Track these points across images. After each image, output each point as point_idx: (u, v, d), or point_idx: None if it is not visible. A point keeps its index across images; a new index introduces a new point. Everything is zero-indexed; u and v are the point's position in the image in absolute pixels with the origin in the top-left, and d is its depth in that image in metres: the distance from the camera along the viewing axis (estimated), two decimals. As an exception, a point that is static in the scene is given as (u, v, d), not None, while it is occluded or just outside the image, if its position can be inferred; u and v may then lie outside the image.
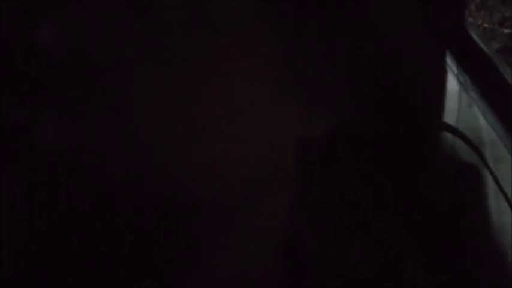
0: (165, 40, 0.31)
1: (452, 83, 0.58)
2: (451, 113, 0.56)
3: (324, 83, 0.36)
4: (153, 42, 0.31)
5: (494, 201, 0.53)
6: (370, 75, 0.43)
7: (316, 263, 0.41)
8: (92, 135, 0.31)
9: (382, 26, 0.46)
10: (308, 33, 0.35)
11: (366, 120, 0.43)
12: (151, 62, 0.31)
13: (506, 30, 2.76)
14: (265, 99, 0.34)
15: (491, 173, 0.54)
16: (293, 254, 0.40)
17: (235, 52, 0.32)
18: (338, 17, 0.37)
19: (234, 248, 0.36)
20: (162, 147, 0.31)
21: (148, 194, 0.32)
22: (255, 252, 0.37)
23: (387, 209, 0.49)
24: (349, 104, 0.39)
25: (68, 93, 0.31)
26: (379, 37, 0.45)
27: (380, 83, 0.44)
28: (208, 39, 0.31)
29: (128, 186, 0.31)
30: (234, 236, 0.35)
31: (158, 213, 0.32)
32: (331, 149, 0.40)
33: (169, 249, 0.33)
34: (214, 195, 0.33)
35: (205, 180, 0.33)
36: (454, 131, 0.54)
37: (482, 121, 0.58)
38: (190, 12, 0.31)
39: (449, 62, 0.59)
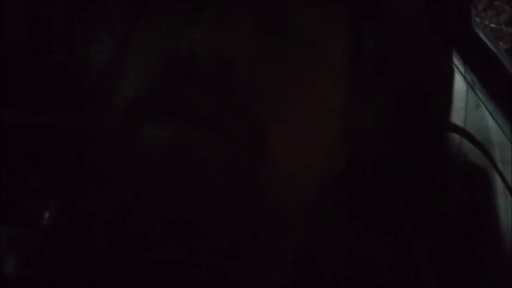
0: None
1: (459, 83, 0.58)
2: (459, 113, 0.55)
3: (363, 128, 0.40)
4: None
5: (503, 203, 0.52)
6: (391, 89, 0.44)
7: (330, 272, 0.41)
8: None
9: (393, 28, 0.46)
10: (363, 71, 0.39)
11: (382, 133, 0.44)
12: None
13: (514, 30, 2.75)
14: (325, 127, 0.37)
15: (500, 174, 0.53)
16: (307, 263, 0.40)
17: (325, 84, 0.37)
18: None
19: (255, 259, 0.36)
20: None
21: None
22: (272, 262, 0.37)
23: (399, 215, 0.49)
24: (372, 131, 0.41)
25: None
26: (392, 41, 0.46)
27: (394, 87, 0.45)
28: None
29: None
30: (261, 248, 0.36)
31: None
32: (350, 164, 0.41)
33: (213, 257, 0.34)
34: (274, 213, 0.35)
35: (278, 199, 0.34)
36: (461, 131, 0.54)
37: (490, 122, 0.57)
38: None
39: (456, 61, 0.59)
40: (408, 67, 0.48)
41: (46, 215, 0.44)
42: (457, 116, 0.55)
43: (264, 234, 0.35)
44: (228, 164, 0.32)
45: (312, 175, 0.37)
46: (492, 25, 2.76)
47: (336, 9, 0.38)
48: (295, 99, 0.35)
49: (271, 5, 0.36)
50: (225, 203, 0.32)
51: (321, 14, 0.37)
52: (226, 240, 0.33)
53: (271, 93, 0.34)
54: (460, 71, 0.59)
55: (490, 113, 0.58)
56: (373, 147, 0.41)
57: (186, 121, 0.32)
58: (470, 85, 0.59)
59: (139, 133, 0.33)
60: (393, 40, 0.44)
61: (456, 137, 0.54)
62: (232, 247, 0.34)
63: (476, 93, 0.59)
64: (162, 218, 0.32)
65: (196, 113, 0.32)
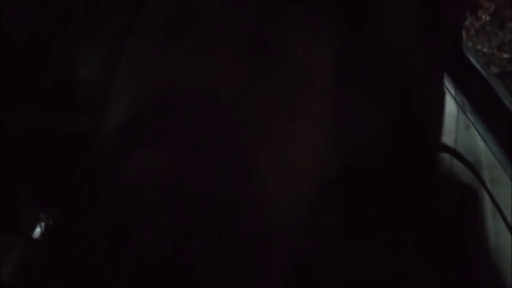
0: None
1: (450, 105, 0.59)
2: (449, 134, 0.56)
3: (352, 130, 0.40)
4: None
5: (492, 223, 0.53)
6: (383, 104, 0.44)
7: (323, 276, 0.41)
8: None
9: (387, 50, 0.47)
10: (356, 85, 0.40)
11: (374, 147, 0.45)
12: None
13: (505, 55, 2.78)
14: (318, 140, 0.38)
15: (489, 194, 0.54)
16: (301, 267, 0.41)
17: (314, 101, 0.37)
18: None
19: (250, 275, 0.36)
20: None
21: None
22: (266, 264, 0.37)
23: (393, 226, 0.49)
24: (364, 141, 0.41)
25: None
26: (387, 62, 0.46)
27: (388, 110, 0.46)
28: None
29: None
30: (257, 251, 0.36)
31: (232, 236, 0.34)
32: (343, 176, 0.41)
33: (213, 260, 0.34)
34: (270, 218, 0.35)
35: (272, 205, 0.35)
36: (452, 152, 0.55)
37: (480, 143, 0.58)
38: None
39: (447, 84, 0.60)
40: (399, 85, 0.49)
41: (41, 224, 0.44)
42: (447, 137, 0.56)
43: (257, 252, 0.35)
44: (214, 191, 0.32)
45: (302, 192, 0.37)
46: (484, 49, 2.79)
47: (320, 27, 0.38)
48: (280, 121, 0.35)
49: (252, 28, 0.36)
50: (215, 228, 0.33)
51: (304, 33, 0.37)
52: (219, 263, 0.34)
53: (255, 118, 0.34)
54: (450, 93, 0.60)
55: (480, 134, 0.59)
56: (366, 157, 0.42)
57: (172, 150, 0.32)
58: (460, 107, 0.60)
59: (128, 162, 0.33)
60: (385, 60, 0.45)
61: (447, 157, 0.55)
62: (227, 268, 0.34)
63: (466, 115, 0.60)
64: (153, 247, 0.32)
65: (182, 142, 0.32)
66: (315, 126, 0.37)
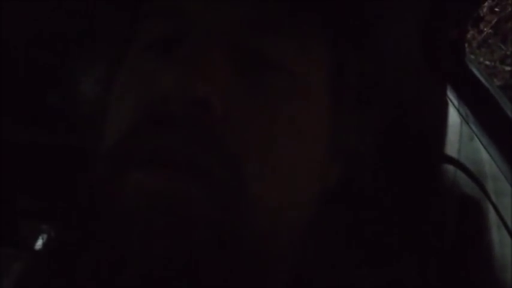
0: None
1: (453, 116, 0.59)
2: (453, 145, 0.56)
3: (350, 140, 0.40)
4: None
5: (496, 234, 0.53)
6: (382, 116, 0.44)
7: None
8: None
9: (389, 63, 0.47)
10: (351, 95, 0.40)
11: (373, 158, 0.44)
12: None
13: (508, 68, 2.78)
14: (313, 152, 0.38)
15: (493, 206, 0.54)
16: (300, 281, 0.40)
17: (307, 112, 0.37)
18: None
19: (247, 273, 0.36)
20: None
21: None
22: (265, 279, 0.37)
23: (393, 244, 0.49)
24: (363, 151, 0.41)
25: None
26: (388, 75, 0.46)
27: (388, 120, 0.46)
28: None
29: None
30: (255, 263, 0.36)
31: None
32: (343, 188, 0.41)
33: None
34: (269, 228, 0.35)
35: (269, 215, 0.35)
36: (456, 163, 0.55)
37: (483, 154, 0.58)
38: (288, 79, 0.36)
39: (451, 95, 0.60)
40: (400, 97, 0.49)
41: (42, 236, 0.44)
42: (451, 148, 0.56)
43: (254, 267, 0.35)
44: (209, 206, 0.32)
45: (298, 204, 0.37)
46: (486, 62, 2.80)
47: (312, 38, 0.38)
48: (273, 131, 0.35)
49: (243, 39, 0.36)
50: (210, 244, 0.32)
51: (296, 43, 0.37)
52: (216, 279, 0.33)
53: (248, 129, 0.34)
54: (454, 105, 0.60)
55: (484, 146, 0.59)
56: (366, 168, 0.42)
57: (165, 166, 0.32)
58: (464, 118, 0.60)
59: (122, 181, 0.33)
60: (386, 71, 0.45)
61: (450, 168, 0.55)
62: (224, 283, 0.34)
63: (469, 126, 0.60)
64: (149, 265, 0.32)
65: (174, 157, 0.32)
66: (309, 136, 0.37)
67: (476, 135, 0.59)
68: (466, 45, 0.66)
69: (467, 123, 0.60)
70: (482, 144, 0.59)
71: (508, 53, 2.84)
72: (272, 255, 0.36)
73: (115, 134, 0.36)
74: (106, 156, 0.35)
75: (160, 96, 0.33)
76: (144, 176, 0.32)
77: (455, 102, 0.60)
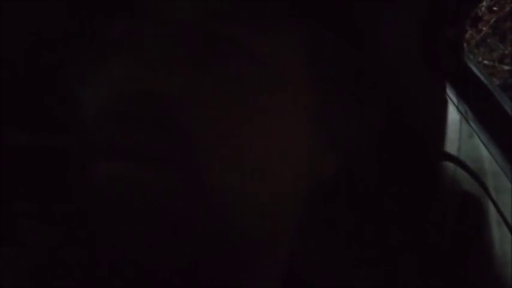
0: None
1: (453, 114, 0.59)
2: (453, 143, 0.56)
3: (344, 131, 0.39)
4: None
5: (497, 231, 0.53)
6: (378, 111, 0.44)
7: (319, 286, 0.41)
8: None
9: (387, 62, 0.47)
10: (340, 85, 0.39)
11: (371, 154, 0.44)
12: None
13: (506, 67, 2.79)
14: (294, 140, 0.36)
15: (494, 203, 0.54)
16: (298, 281, 0.40)
17: (280, 99, 0.36)
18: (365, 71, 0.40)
19: (243, 275, 0.36)
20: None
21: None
22: (261, 278, 0.37)
23: (392, 242, 0.49)
24: (359, 144, 0.41)
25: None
26: (386, 73, 0.46)
27: (386, 117, 0.45)
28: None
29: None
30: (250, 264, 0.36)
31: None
32: (341, 184, 0.41)
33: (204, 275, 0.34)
34: (254, 227, 0.35)
35: (252, 216, 0.34)
36: (455, 160, 0.55)
37: (483, 151, 0.58)
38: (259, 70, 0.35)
39: (450, 93, 0.60)
40: (399, 92, 0.49)
41: (42, 236, 0.44)
42: (451, 146, 0.56)
43: (238, 261, 0.35)
44: (175, 198, 0.32)
45: (283, 195, 0.36)
46: (485, 62, 2.80)
47: (287, 29, 0.37)
48: (244, 121, 0.34)
49: (206, 29, 0.35)
50: (178, 235, 0.32)
51: (258, 24, 0.36)
52: (189, 272, 0.33)
53: (216, 120, 0.34)
54: (453, 102, 0.60)
55: (483, 143, 0.59)
56: (362, 161, 0.42)
57: (131, 158, 0.33)
58: (463, 116, 0.60)
59: (93, 172, 0.34)
60: (386, 67, 0.45)
61: (450, 166, 0.55)
62: (201, 278, 0.34)
63: (469, 124, 0.60)
64: (118, 256, 0.33)
65: (139, 150, 0.33)
66: (284, 122, 0.36)
67: (475, 133, 0.59)
68: (465, 44, 0.67)
69: (467, 121, 0.60)
70: (481, 141, 0.59)
71: (507, 52, 2.85)
72: (255, 250, 0.36)
73: (88, 126, 0.36)
74: (80, 148, 0.36)
75: (116, 93, 0.34)
76: (112, 167, 0.33)
77: (455, 100, 0.61)
